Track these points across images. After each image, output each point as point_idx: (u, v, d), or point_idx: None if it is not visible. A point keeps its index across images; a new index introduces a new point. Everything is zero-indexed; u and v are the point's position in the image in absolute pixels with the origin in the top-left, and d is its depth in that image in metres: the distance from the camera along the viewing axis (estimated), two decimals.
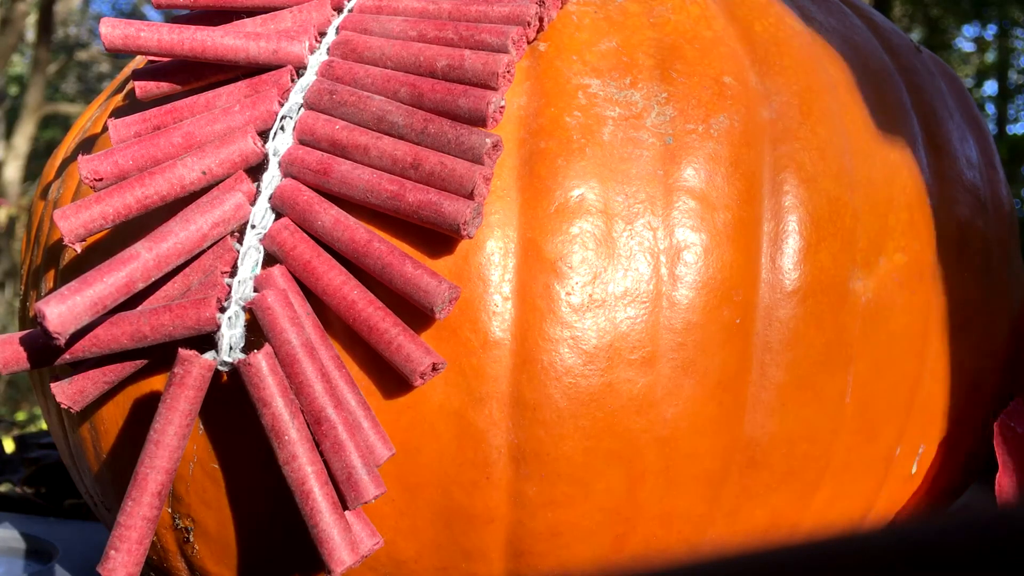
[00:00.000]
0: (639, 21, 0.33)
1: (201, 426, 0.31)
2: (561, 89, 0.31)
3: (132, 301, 0.30)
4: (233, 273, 0.30)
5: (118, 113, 0.37)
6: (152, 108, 0.33)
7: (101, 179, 0.30)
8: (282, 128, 0.31)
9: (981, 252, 0.36)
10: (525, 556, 0.31)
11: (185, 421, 0.28)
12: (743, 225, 0.31)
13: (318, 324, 0.29)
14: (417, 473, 0.30)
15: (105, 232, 0.33)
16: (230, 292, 0.29)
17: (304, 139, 0.31)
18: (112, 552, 0.28)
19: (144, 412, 0.32)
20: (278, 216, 0.31)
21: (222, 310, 0.29)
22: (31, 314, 0.37)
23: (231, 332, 0.29)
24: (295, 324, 0.28)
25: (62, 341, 0.27)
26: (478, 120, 0.29)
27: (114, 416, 0.33)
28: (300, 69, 0.32)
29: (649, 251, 0.30)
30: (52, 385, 0.31)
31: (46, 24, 4.43)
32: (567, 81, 0.31)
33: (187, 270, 0.30)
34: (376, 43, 0.32)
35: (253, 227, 0.30)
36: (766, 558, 0.11)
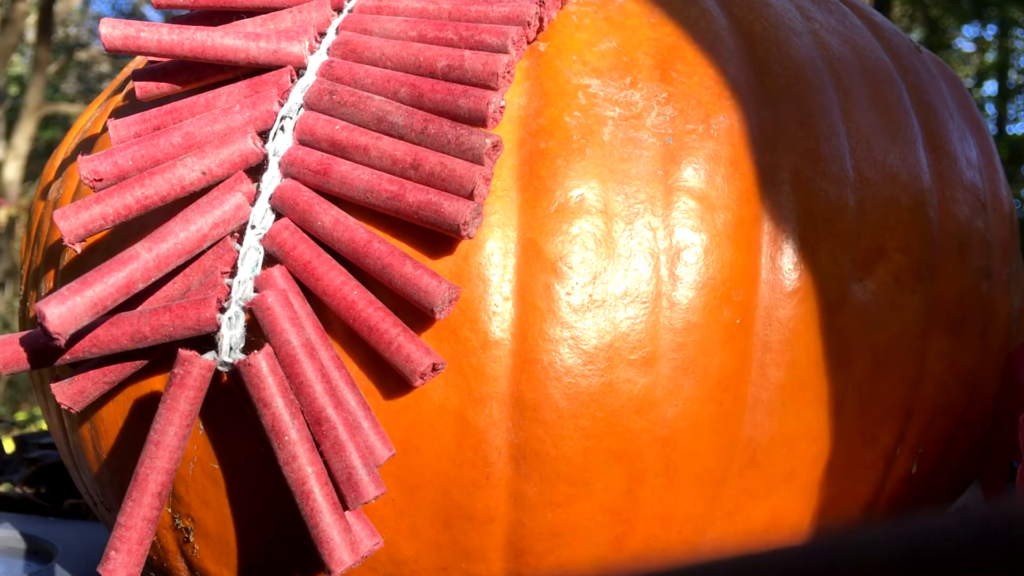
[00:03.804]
0: (639, 21, 0.33)
1: (201, 426, 0.31)
2: (561, 89, 0.31)
3: (132, 301, 0.30)
4: (233, 273, 0.30)
5: (118, 113, 0.37)
6: (152, 108, 0.33)
7: (101, 179, 0.30)
8: (282, 128, 0.31)
9: (981, 252, 0.36)
10: (525, 556, 0.31)
11: (185, 421, 0.28)
12: (743, 225, 0.31)
13: (318, 324, 0.29)
14: (417, 473, 0.30)
15: (105, 232, 0.33)
16: (230, 292, 0.29)
17: (304, 139, 0.31)
18: (112, 553, 0.28)
19: (144, 412, 0.32)
20: (278, 216, 0.31)
21: (222, 310, 0.29)
22: (31, 314, 0.37)
23: (231, 332, 0.29)
24: (295, 324, 0.28)
25: (62, 342, 0.27)
26: (478, 120, 0.29)
27: (114, 416, 0.33)
28: (300, 69, 0.32)
29: (649, 251, 0.30)
30: (52, 385, 0.31)
31: (46, 24, 4.43)
32: (567, 81, 0.31)
33: (187, 270, 0.30)
34: (376, 43, 0.32)
35: (253, 227, 0.30)
36: (766, 558, 0.11)
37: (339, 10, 0.34)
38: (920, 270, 0.34)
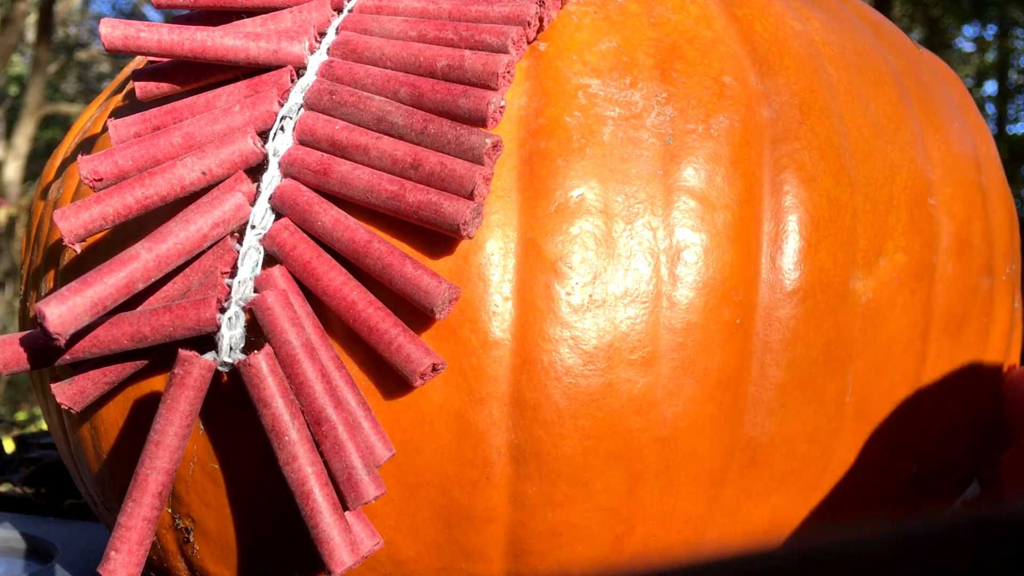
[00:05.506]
0: (639, 21, 0.33)
1: (201, 426, 0.31)
2: (561, 89, 0.31)
3: (132, 301, 0.30)
4: (233, 274, 0.30)
5: (118, 113, 0.37)
6: (152, 108, 0.33)
7: (101, 179, 0.30)
8: (282, 128, 0.31)
9: (981, 251, 0.36)
10: (525, 556, 0.31)
11: (185, 421, 0.28)
12: (743, 225, 0.31)
13: (318, 324, 0.29)
14: (417, 473, 0.30)
15: (105, 232, 0.33)
16: (230, 292, 0.29)
17: (304, 139, 0.31)
18: (113, 553, 0.28)
19: (144, 412, 0.32)
20: (278, 216, 0.31)
21: (222, 310, 0.29)
22: (31, 314, 0.37)
23: (231, 333, 0.29)
24: (295, 324, 0.28)
25: (62, 342, 0.27)
26: (478, 120, 0.29)
27: (114, 416, 0.33)
28: (300, 69, 0.32)
29: (649, 251, 0.30)
30: (52, 385, 0.31)
31: (46, 24, 4.43)
32: (567, 81, 0.31)
33: (187, 270, 0.30)
34: (376, 43, 0.32)
35: (253, 227, 0.30)
36: (766, 559, 0.11)
37: (339, 10, 0.34)
38: (920, 270, 0.34)
